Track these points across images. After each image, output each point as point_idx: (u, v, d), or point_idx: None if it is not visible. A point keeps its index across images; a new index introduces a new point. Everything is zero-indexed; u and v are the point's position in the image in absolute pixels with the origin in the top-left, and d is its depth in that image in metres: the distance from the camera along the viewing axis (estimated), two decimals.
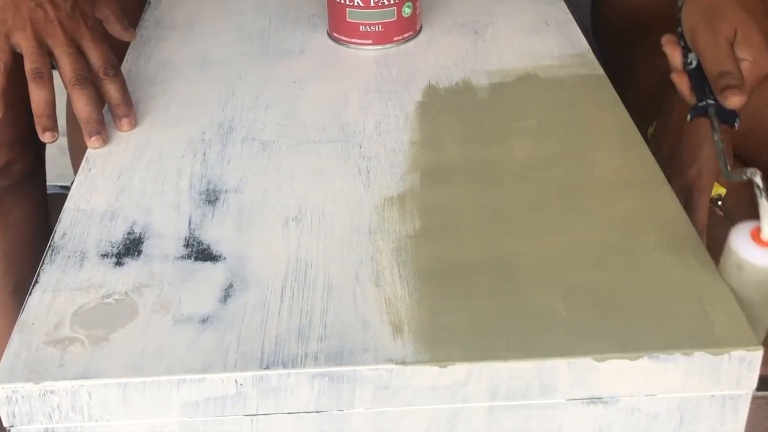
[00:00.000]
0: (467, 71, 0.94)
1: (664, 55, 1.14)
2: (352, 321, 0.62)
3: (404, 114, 0.87)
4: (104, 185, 0.78)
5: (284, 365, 0.59)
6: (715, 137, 0.70)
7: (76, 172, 1.18)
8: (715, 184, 0.99)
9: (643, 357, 0.59)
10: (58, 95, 0.85)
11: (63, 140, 1.21)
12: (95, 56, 0.86)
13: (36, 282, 0.67)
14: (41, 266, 0.68)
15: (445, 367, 0.59)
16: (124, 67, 0.96)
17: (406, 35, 1.00)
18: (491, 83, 0.91)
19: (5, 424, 0.60)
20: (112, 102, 0.86)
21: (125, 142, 0.84)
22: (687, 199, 0.99)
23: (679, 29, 0.84)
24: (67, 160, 1.32)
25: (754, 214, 1.17)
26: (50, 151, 1.25)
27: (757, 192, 0.63)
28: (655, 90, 1.11)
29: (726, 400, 0.62)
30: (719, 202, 1.00)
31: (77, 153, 1.20)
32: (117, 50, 0.92)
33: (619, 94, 0.89)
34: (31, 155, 1.07)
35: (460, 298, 0.64)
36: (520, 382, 0.60)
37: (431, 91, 0.90)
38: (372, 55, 0.98)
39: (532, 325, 0.61)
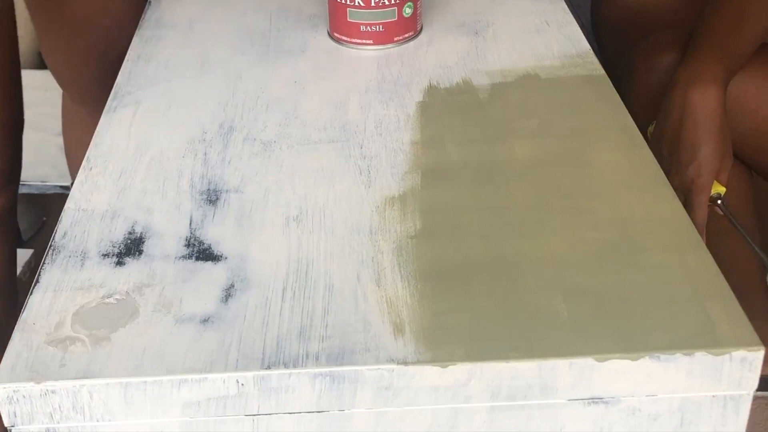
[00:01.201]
0: (468, 71, 0.94)
1: (663, 55, 1.14)
2: (353, 321, 0.62)
3: (405, 114, 0.87)
4: (105, 185, 0.78)
5: (285, 365, 0.59)
6: None
7: (72, 172, 1.18)
8: (714, 182, 1.00)
9: (644, 357, 0.59)
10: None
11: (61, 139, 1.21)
12: None
13: (37, 282, 0.67)
14: (42, 266, 0.68)
15: (446, 367, 0.59)
16: (125, 67, 0.96)
17: (406, 35, 1.00)
18: (492, 83, 0.91)
19: (6, 424, 0.60)
20: None
21: (126, 141, 0.84)
22: (686, 197, 0.99)
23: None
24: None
25: (752, 213, 1.17)
26: (51, 151, 1.25)
27: None
28: (655, 90, 1.11)
29: (727, 400, 0.62)
30: (718, 201, 1.01)
31: (73, 154, 1.19)
32: (117, 33, 0.90)
33: (619, 94, 0.89)
34: (11, 192, 1.01)
35: (461, 298, 0.64)
36: (521, 382, 0.60)
37: (432, 91, 0.90)
38: (373, 55, 0.98)
39: (533, 325, 0.61)
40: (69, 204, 0.76)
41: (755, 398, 0.62)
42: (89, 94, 1.12)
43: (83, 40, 1.04)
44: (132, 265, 0.68)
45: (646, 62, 1.16)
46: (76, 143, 0.92)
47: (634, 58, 1.19)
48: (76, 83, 1.10)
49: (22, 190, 1.42)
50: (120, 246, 0.70)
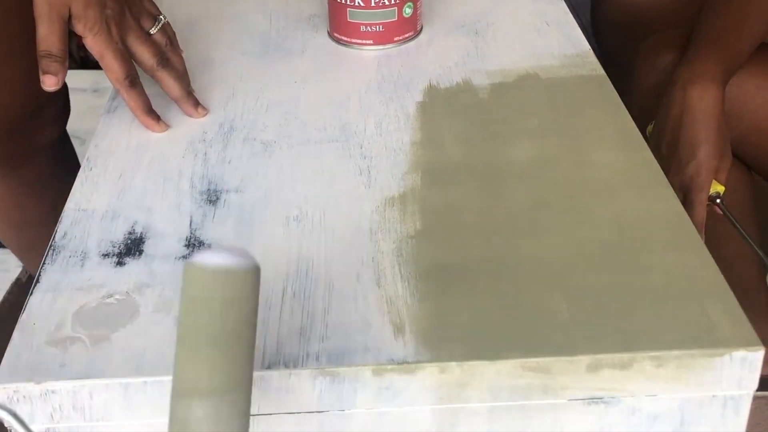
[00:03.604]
0: (468, 71, 0.94)
1: (663, 55, 1.14)
2: (353, 321, 0.62)
3: (405, 114, 0.87)
4: (105, 185, 0.78)
5: (286, 365, 0.59)
6: None
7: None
8: (713, 181, 1.00)
9: (644, 357, 0.59)
10: None
11: None
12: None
13: (37, 282, 0.67)
14: (42, 266, 0.68)
15: (446, 367, 0.59)
16: None
17: (406, 35, 1.00)
18: (492, 83, 0.91)
19: (6, 425, 0.60)
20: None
21: (126, 141, 0.84)
22: (685, 196, 0.99)
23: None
24: None
25: (752, 212, 1.17)
26: None
27: None
28: (655, 90, 1.11)
29: (727, 400, 0.62)
30: (717, 200, 1.01)
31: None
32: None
33: (619, 94, 0.89)
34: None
35: (461, 298, 0.64)
36: (521, 382, 0.60)
37: (432, 91, 0.90)
38: (373, 55, 0.98)
39: (533, 325, 0.61)
40: (69, 204, 0.76)
41: (755, 398, 0.62)
42: None
43: None
44: (132, 265, 0.68)
45: (646, 62, 1.16)
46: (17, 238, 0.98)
47: (634, 58, 1.19)
48: None
49: None
50: (120, 246, 0.70)
